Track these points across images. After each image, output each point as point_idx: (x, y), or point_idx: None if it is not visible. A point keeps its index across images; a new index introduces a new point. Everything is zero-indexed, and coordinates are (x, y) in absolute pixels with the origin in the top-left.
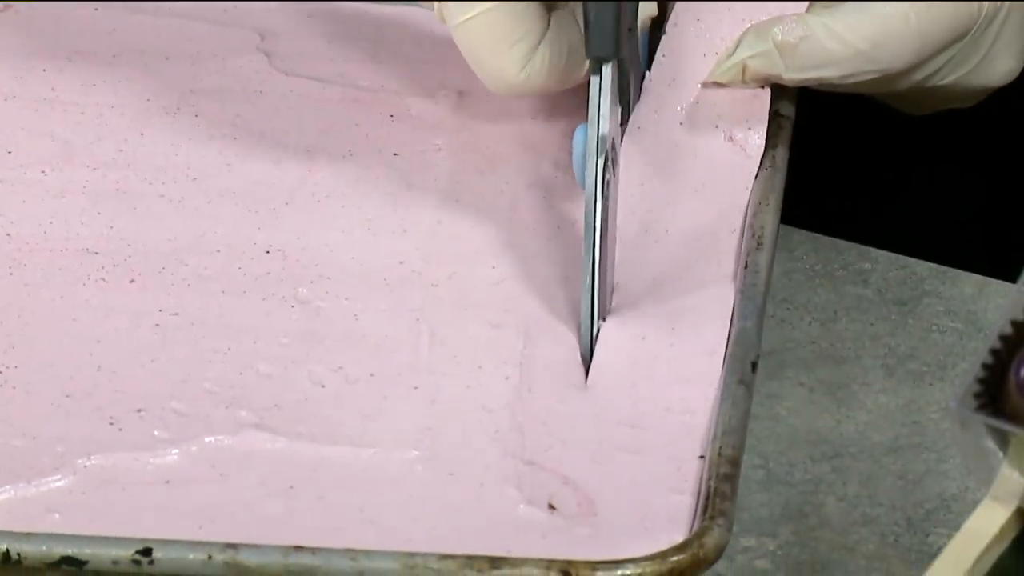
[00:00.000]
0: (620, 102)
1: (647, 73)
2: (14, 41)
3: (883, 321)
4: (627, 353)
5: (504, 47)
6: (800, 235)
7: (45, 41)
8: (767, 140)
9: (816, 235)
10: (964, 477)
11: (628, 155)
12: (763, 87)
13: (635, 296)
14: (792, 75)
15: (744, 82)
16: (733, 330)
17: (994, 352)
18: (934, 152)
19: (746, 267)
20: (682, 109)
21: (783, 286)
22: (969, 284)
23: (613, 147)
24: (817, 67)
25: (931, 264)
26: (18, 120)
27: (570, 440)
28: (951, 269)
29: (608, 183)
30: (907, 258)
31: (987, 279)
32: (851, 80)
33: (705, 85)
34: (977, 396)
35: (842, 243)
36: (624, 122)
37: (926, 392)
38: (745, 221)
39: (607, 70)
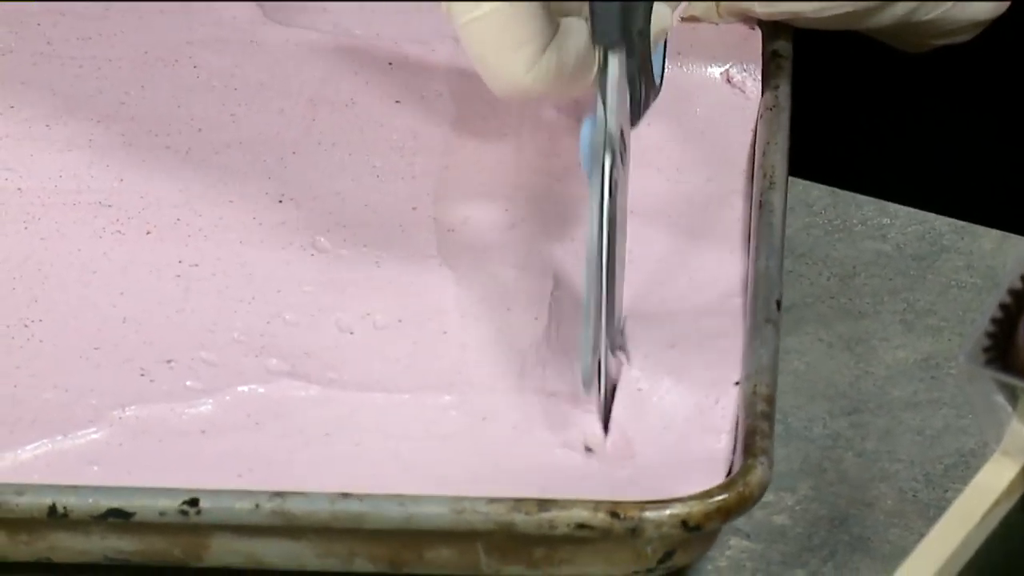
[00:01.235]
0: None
1: (660, 86)
2: None
3: (902, 276)
4: (653, 296)
5: (510, 49)
6: (819, 190)
7: None
8: (767, 80)
9: (835, 190)
10: (982, 433)
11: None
12: (745, 24)
13: (648, 244)
14: (764, 8)
15: (719, 16)
16: (753, 270)
17: (1003, 307)
18: (950, 104)
19: (760, 207)
20: (680, 53)
21: (801, 241)
22: (988, 239)
23: (622, 138)
24: None
25: (950, 219)
26: (17, 74)
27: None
28: (970, 224)
29: (616, 182)
30: (926, 213)
31: (1006, 234)
32: (826, 14)
33: (683, 20)
34: (986, 351)
35: (861, 198)
36: (633, 123)
37: (945, 347)
38: (753, 163)
39: (614, 61)
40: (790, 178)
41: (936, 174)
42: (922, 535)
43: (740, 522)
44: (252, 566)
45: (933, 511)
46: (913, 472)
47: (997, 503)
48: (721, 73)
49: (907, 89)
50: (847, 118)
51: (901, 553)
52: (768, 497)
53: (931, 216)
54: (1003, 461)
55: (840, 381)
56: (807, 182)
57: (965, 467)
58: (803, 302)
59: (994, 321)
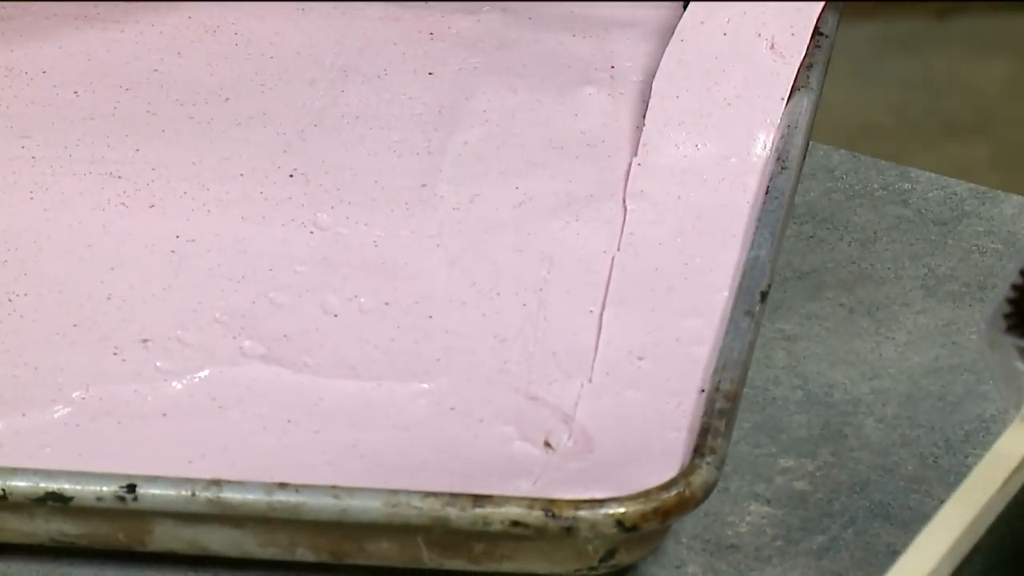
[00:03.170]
0: None
1: None
2: None
3: (923, 241)
4: (643, 283)
5: None
6: (840, 155)
7: None
8: (804, 57)
9: (856, 154)
10: (1003, 399)
11: (666, 68)
12: None
13: (651, 226)
14: None
15: None
16: (744, 258)
17: None
18: None
19: (767, 192)
20: (729, 21)
21: (823, 206)
22: (1009, 205)
23: None
24: None
25: (971, 184)
26: (57, 38)
27: (577, 373)
28: (991, 189)
29: None
30: (947, 178)
31: None
32: None
33: None
34: (1007, 317)
35: (882, 163)
36: None
37: (965, 313)
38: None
39: None
40: (812, 143)
41: None
42: (942, 501)
43: (761, 488)
44: (196, 552)
45: (954, 477)
46: (934, 438)
47: (1018, 469)
48: (765, 41)
49: None
50: None
51: (922, 519)
52: (789, 463)
53: (952, 181)
54: (1023, 427)
55: (861, 347)
56: (829, 147)
57: (986, 433)
58: (824, 267)
59: (1015, 287)
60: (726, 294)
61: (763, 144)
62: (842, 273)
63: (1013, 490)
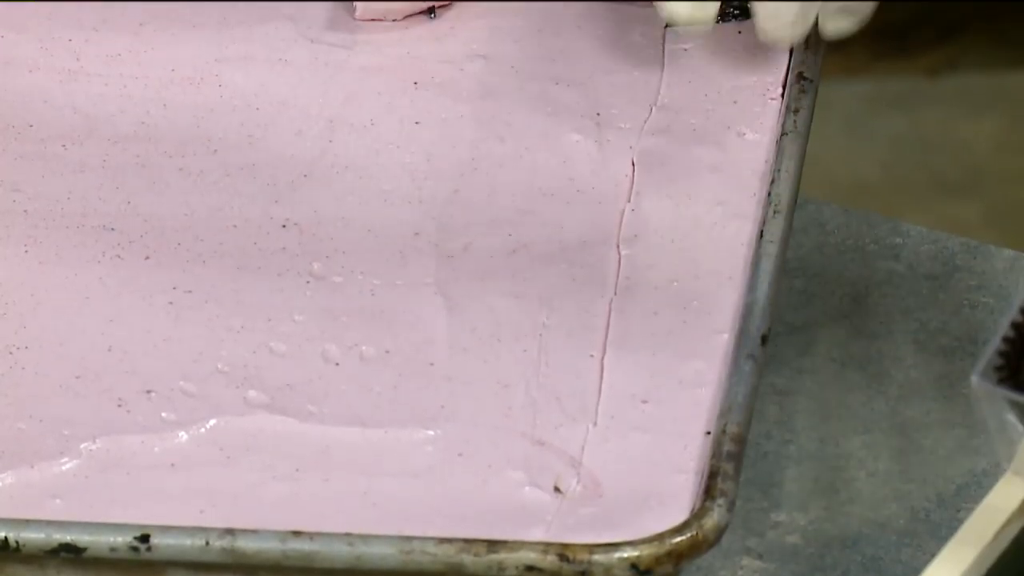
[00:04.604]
0: None
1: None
2: (42, 9)
3: (914, 296)
4: (643, 327)
5: None
6: (831, 209)
7: (73, 9)
8: (788, 104)
9: (847, 209)
10: (995, 452)
11: (642, 154)
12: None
13: (647, 270)
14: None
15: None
16: (743, 301)
17: (1016, 326)
18: None
19: (760, 236)
20: (694, 124)
21: (814, 260)
22: (1000, 259)
23: None
24: None
25: (962, 239)
26: (41, 93)
27: (582, 417)
28: (982, 244)
29: None
30: (938, 233)
31: (1019, 253)
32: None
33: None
34: (998, 370)
35: (874, 217)
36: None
37: (957, 367)
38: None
39: None
40: (804, 198)
41: None
42: (934, 555)
43: (753, 542)
44: None
45: (945, 531)
46: (926, 492)
47: (1009, 522)
48: (744, 89)
49: None
50: None
51: (913, 573)
52: (780, 517)
53: (943, 235)
54: (1015, 481)
55: (852, 401)
56: (820, 202)
57: (978, 487)
58: (816, 322)
59: (1006, 340)
60: (726, 336)
61: (753, 191)
62: (834, 328)
63: (1004, 543)
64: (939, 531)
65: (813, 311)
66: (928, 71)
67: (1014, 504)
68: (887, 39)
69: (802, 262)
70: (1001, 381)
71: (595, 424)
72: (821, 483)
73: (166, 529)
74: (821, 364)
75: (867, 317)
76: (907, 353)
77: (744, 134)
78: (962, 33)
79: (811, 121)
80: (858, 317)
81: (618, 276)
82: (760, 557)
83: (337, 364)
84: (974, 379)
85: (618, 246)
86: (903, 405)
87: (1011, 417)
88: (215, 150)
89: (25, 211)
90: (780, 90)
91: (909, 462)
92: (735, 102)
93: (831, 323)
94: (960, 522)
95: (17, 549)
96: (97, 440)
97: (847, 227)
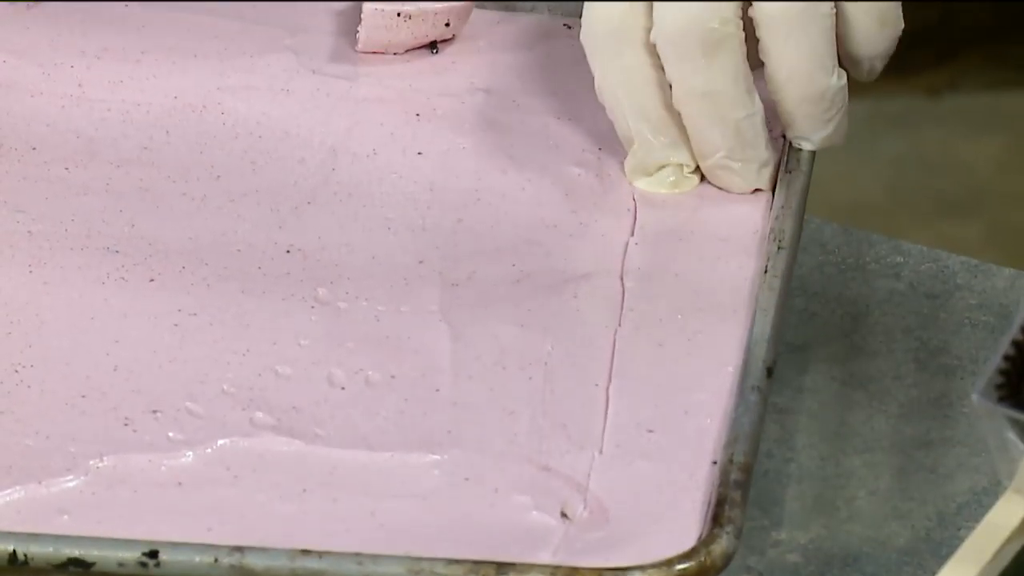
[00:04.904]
0: None
1: None
2: (44, 36)
3: (915, 314)
4: (647, 358)
5: None
6: (832, 228)
7: (74, 37)
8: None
9: (848, 228)
10: (996, 471)
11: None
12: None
13: (651, 302)
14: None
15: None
16: (747, 334)
17: (1016, 344)
18: None
19: (766, 271)
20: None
21: (815, 280)
22: (1001, 278)
23: None
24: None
25: (963, 257)
26: (43, 116)
27: (588, 445)
28: (983, 263)
29: None
30: (939, 251)
31: (1019, 272)
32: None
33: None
34: (999, 388)
35: (874, 236)
36: None
37: (958, 386)
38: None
39: None
40: (804, 217)
41: None
42: (934, 574)
43: (753, 560)
44: None
45: (946, 550)
46: (926, 511)
47: (1009, 540)
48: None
49: None
50: None
51: None
52: (781, 535)
53: (944, 254)
54: (1015, 499)
55: (853, 419)
56: (821, 221)
57: (978, 506)
58: (816, 341)
59: (1007, 358)
60: (730, 369)
61: (756, 227)
62: (834, 346)
63: (1004, 561)
64: (940, 550)
65: (814, 330)
66: (929, 91)
67: (1015, 522)
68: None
69: (802, 281)
70: (1002, 399)
71: (601, 452)
72: (822, 501)
73: (175, 545)
74: (822, 383)
75: (868, 336)
76: (908, 372)
77: (740, 209)
78: (962, 53)
79: (815, 158)
80: (859, 336)
81: (622, 308)
82: (761, 575)
83: (343, 388)
84: (975, 397)
85: (622, 278)
86: (904, 423)
87: (1012, 435)
88: (218, 176)
89: (29, 232)
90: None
91: (910, 480)
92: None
93: (832, 342)
94: (961, 540)
95: (25, 562)
96: (104, 458)
97: (848, 246)
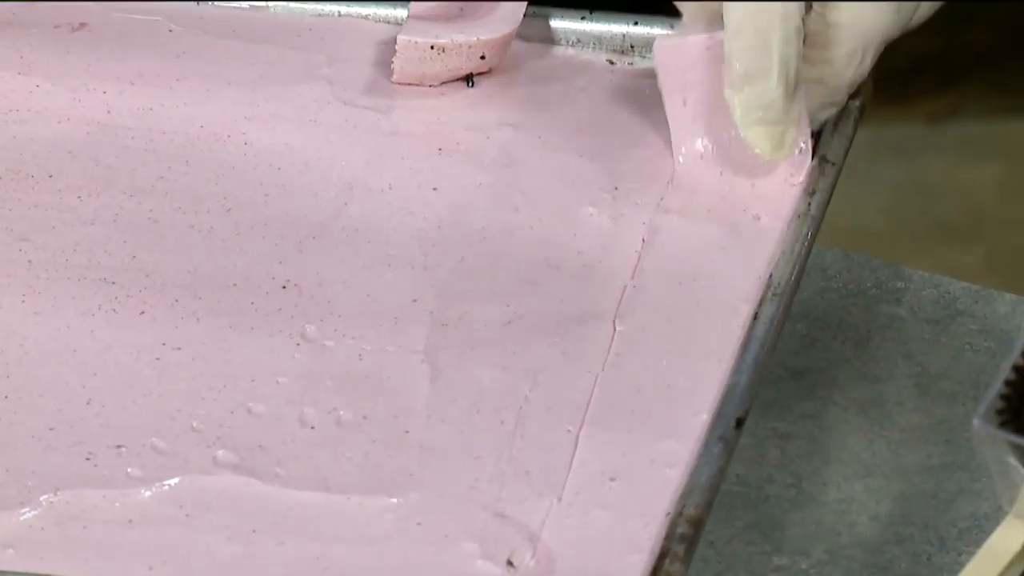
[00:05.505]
0: None
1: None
2: (81, 62)
3: (916, 340)
4: (624, 404)
5: None
6: (833, 254)
7: (112, 62)
8: (806, 186)
9: (849, 254)
10: (997, 496)
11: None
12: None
13: (638, 347)
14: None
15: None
16: (725, 384)
17: (1017, 369)
18: None
19: (755, 318)
20: (709, 210)
21: (816, 305)
22: (1002, 303)
23: None
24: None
25: (964, 283)
26: (67, 143)
27: (548, 492)
28: (984, 288)
29: None
30: (940, 277)
31: (1020, 298)
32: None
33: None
34: (1000, 413)
35: (875, 262)
36: None
37: (959, 411)
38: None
39: None
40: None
41: None
42: None
43: None
44: None
45: (947, 575)
46: (927, 536)
47: (1010, 565)
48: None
49: None
50: None
51: None
52: (782, 561)
53: (945, 280)
54: (1016, 524)
55: (854, 445)
56: (822, 247)
57: (979, 531)
58: (817, 366)
59: (1008, 384)
60: (704, 417)
61: (759, 274)
62: (835, 372)
63: None
64: (941, 575)
65: (815, 355)
66: (929, 118)
67: (1016, 547)
68: (888, 86)
69: (804, 306)
70: (1003, 425)
71: (560, 499)
72: (823, 527)
73: None
74: (823, 408)
75: (869, 361)
76: (909, 397)
77: (760, 218)
78: (963, 81)
79: (827, 205)
80: (860, 361)
81: (609, 351)
82: None
83: (312, 428)
84: (976, 423)
85: (614, 321)
86: (905, 449)
87: (1013, 460)
88: (229, 208)
89: (29, 261)
90: (802, 177)
91: (911, 506)
92: (753, 185)
93: (833, 367)
94: (962, 566)
95: None
96: (59, 492)
97: (849, 272)
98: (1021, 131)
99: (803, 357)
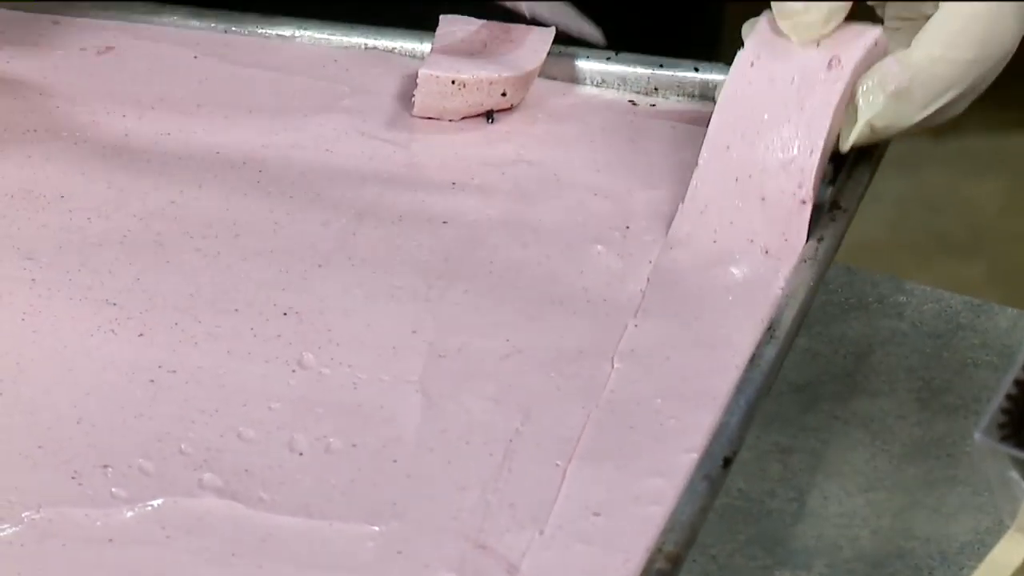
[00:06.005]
0: None
1: None
2: (104, 86)
3: (918, 354)
4: (615, 441)
5: None
6: (835, 268)
7: (135, 86)
8: (815, 231)
9: (851, 267)
10: (998, 510)
11: (659, 269)
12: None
13: (634, 385)
14: (920, 113)
15: (878, 138)
16: (716, 423)
17: (1019, 383)
18: None
19: (752, 360)
20: (716, 231)
21: (818, 319)
22: (1004, 318)
23: None
24: (939, 96)
25: (966, 298)
26: (83, 164)
27: (531, 525)
28: (986, 303)
29: None
30: (942, 291)
31: (1022, 312)
32: (976, 90)
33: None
34: (1001, 427)
35: (877, 276)
36: None
37: (960, 425)
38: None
39: None
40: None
41: None
42: None
43: None
44: None
45: None
46: (929, 550)
47: None
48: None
49: None
50: None
51: None
52: (784, 574)
53: (947, 294)
54: (1017, 538)
55: (856, 459)
56: None
57: (980, 545)
58: (819, 380)
59: (1009, 398)
60: (694, 456)
61: (761, 316)
62: (837, 386)
63: None
64: None
65: (817, 369)
66: (932, 133)
67: (1017, 561)
68: None
69: (806, 320)
70: (1004, 439)
71: (542, 532)
72: (825, 541)
73: None
74: (825, 422)
75: (871, 375)
76: (910, 411)
77: (768, 251)
78: None
79: (836, 251)
80: (861, 375)
81: (604, 389)
82: None
83: (301, 454)
84: (977, 437)
85: (613, 359)
86: (906, 463)
87: (1014, 474)
88: (237, 234)
89: (32, 279)
90: (810, 191)
91: (912, 520)
92: (761, 228)
93: (834, 381)
94: None
95: None
96: (41, 509)
97: (851, 286)
98: (1023, 146)
99: (805, 371)
